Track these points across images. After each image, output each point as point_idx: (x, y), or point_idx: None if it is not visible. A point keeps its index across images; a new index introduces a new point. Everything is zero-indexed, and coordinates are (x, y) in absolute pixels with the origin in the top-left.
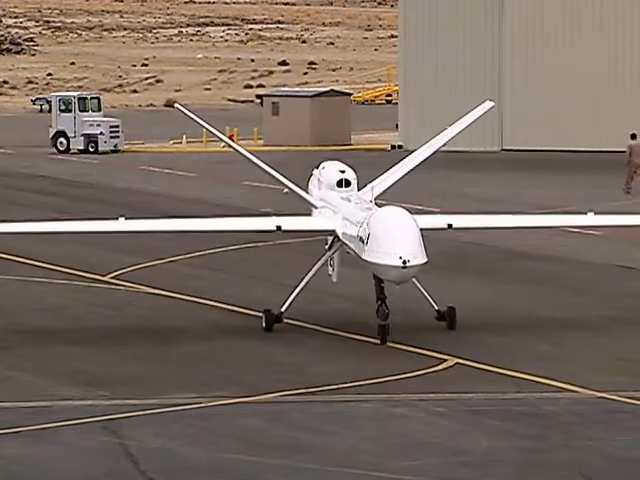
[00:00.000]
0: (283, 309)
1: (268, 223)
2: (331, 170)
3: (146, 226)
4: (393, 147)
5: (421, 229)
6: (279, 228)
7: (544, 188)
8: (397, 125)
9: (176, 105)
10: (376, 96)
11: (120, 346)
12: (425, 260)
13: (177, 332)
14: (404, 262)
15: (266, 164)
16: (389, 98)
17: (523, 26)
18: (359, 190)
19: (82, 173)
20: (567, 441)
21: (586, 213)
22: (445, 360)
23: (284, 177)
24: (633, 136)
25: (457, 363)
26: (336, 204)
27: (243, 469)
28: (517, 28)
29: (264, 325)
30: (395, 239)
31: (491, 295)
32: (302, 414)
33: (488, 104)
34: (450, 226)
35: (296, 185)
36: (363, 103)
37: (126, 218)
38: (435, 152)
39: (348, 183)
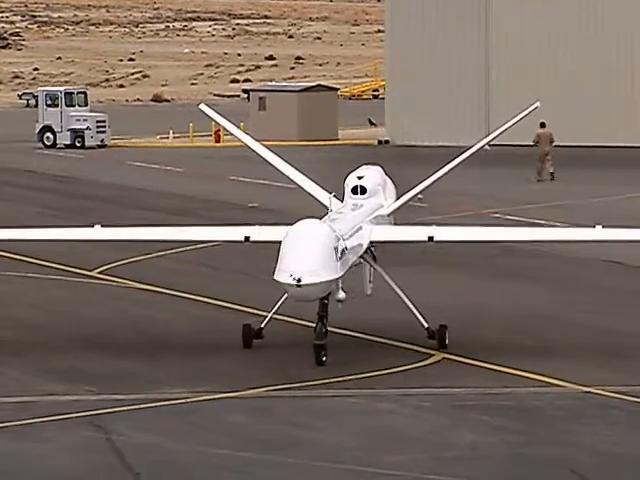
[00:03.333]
0: (263, 324)
1: (236, 233)
2: (353, 175)
3: (120, 234)
4: (380, 142)
5: (402, 241)
6: (247, 239)
7: (528, 183)
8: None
9: (201, 106)
10: (363, 91)
11: (106, 341)
12: (330, 278)
13: (164, 327)
14: (298, 280)
15: (292, 167)
16: (376, 93)
17: (510, 20)
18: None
19: (69, 168)
20: (553, 436)
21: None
22: (432, 355)
23: (309, 179)
24: (542, 124)
25: (444, 358)
26: (339, 212)
27: (229, 464)
28: (504, 22)
29: (242, 341)
30: (290, 256)
31: (478, 290)
32: (288, 409)
33: (535, 104)
34: (431, 239)
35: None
36: (350, 98)
37: (102, 225)
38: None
39: (364, 190)
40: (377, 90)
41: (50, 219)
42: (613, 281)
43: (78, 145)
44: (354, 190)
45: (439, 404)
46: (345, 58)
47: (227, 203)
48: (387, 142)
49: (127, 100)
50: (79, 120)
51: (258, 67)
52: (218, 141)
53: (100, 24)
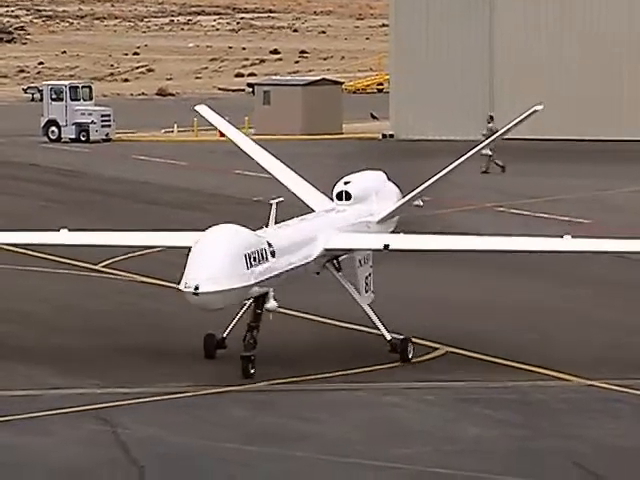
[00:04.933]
0: (225, 334)
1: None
2: (341, 181)
3: (88, 239)
4: (384, 136)
5: (358, 249)
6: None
7: (533, 177)
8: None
9: (196, 107)
10: (367, 85)
11: (111, 335)
12: (234, 286)
13: (169, 321)
14: (195, 288)
15: (286, 167)
16: (380, 87)
17: (514, 14)
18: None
19: (73, 162)
20: (556, 429)
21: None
22: (436, 349)
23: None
24: (491, 118)
25: (448, 352)
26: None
27: (233, 457)
28: (508, 16)
29: (204, 351)
30: (192, 263)
31: (480, 284)
32: (291, 403)
33: (538, 107)
34: (387, 247)
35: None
36: (355, 92)
37: (69, 230)
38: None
39: (349, 196)
40: (381, 84)
41: (54, 213)
42: (616, 274)
43: (83, 139)
44: (339, 195)
45: (443, 397)
46: (349, 52)
47: (232, 197)
48: (392, 136)
49: (132, 94)
50: (84, 114)
51: (263, 61)
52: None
53: (105, 18)
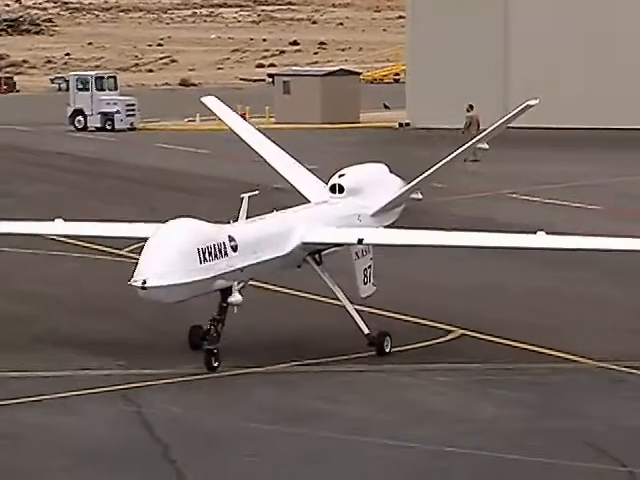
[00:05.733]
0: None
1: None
2: (337, 173)
3: (81, 230)
4: (401, 125)
5: (333, 243)
6: None
7: (548, 164)
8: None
9: (202, 99)
10: (384, 75)
11: (137, 318)
12: (184, 281)
13: (193, 304)
14: (143, 282)
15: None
16: (397, 77)
17: (529, 7)
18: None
19: (99, 150)
20: (569, 409)
21: (535, 232)
22: (451, 331)
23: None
24: (471, 107)
25: (463, 335)
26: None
27: (256, 437)
28: (523, 8)
29: (189, 342)
30: (143, 257)
31: (492, 269)
32: (314, 383)
33: (533, 101)
34: (360, 241)
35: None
36: (372, 82)
37: (64, 220)
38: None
39: (342, 189)
40: (398, 74)
41: (80, 199)
42: (622, 257)
43: (108, 128)
44: (332, 188)
45: (459, 379)
46: (367, 43)
47: (252, 184)
48: (408, 125)
49: (156, 84)
50: (109, 104)
51: (283, 52)
52: None
53: (130, 10)
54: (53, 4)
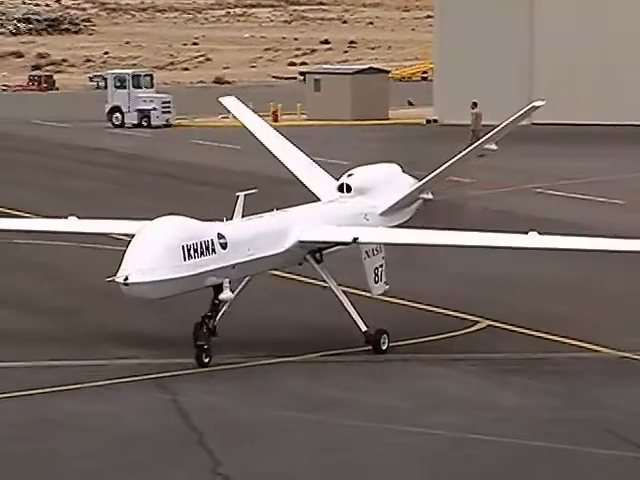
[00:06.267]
0: (216, 322)
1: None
2: (346, 172)
3: (91, 227)
4: (428, 121)
5: (329, 241)
6: None
7: (574, 161)
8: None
9: (220, 99)
10: (412, 73)
11: (170, 308)
12: (166, 277)
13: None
14: (125, 278)
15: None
16: (425, 75)
17: (555, 5)
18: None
19: (136, 146)
20: (591, 398)
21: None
22: (477, 322)
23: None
24: (475, 104)
25: (488, 325)
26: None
27: (285, 424)
28: (549, 7)
29: (193, 339)
30: (127, 253)
31: (518, 261)
32: (341, 373)
33: (539, 103)
34: (355, 240)
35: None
36: (401, 80)
37: (78, 217)
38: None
39: (349, 188)
40: (426, 72)
41: (119, 195)
42: None
43: (145, 124)
44: (340, 187)
45: (484, 368)
46: (396, 42)
47: (282, 179)
48: (435, 121)
49: (191, 82)
50: (146, 101)
51: (314, 51)
52: (276, 120)
53: (165, 11)
54: (92, 4)
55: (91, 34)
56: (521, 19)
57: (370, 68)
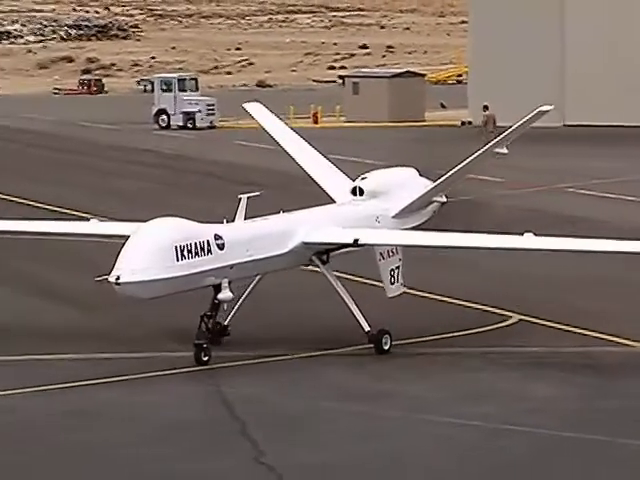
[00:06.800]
0: (227, 321)
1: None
2: (360, 176)
3: (113, 229)
4: (463, 123)
5: (331, 243)
6: None
7: (604, 161)
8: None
9: (244, 105)
10: (448, 77)
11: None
12: (157, 277)
13: (269, 291)
14: (117, 278)
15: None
16: (460, 78)
17: (586, 10)
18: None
19: (181, 147)
20: (620, 390)
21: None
22: (510, 317)
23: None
24: (486, 107)
25: (521, 320)
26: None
27: (325, 415)
28: (580, 12)
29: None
30: (120, 254)
31: (550, 256)
32: (381, 365)
33: (546, 107)
34: (356, 241)
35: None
36: (436, 83)
37: (100, 219)
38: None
39: (362, 191)
40: (460, 75)
41: (166, 194)
42: None
43: (190, 126)
44: (353, 190)
45: (517, 361)
46: (432, 47)
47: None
48: (470, 123)
49: (234, 85)
50: (191, 104)
51: (352, 55)
52: (316, 122)
53: (210, 17)
54: (139, 11)
55: (139, 40)
56: (552, 25)
57: (407, 72)
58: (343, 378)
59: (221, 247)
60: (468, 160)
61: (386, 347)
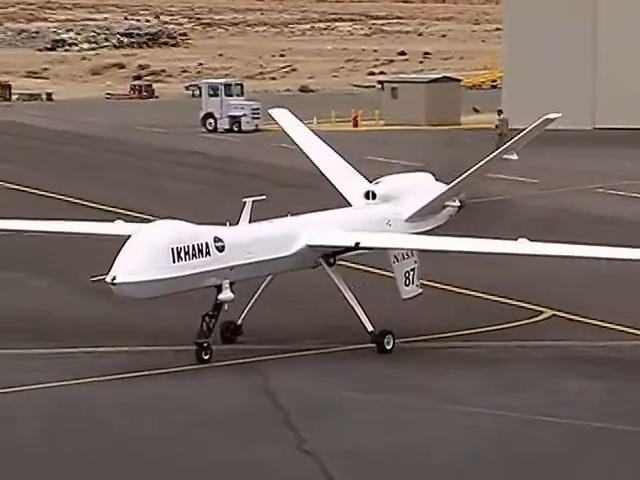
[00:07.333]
0: (240, 321)
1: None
2: (375, 180)
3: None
4: (497, 127)
5: (333, 246)
6: None
7: (635, 162)
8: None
9: (269, 111)
10: (482, 82)
11: (268, 302)
12: (152, 278)
13: (306, 288)
14: (113, 278)
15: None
16: (494, 83)
17: (617, 17)
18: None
19: (227, 149)
20: None
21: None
22: (542, 312)
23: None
24: (500, 112)
25: (554, 315)
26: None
27: (363, 406)
28: (612, 19)
29: (221, 338)
30: (118, 255)
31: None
32: (415, 358)
33: (554, 115)
34: (357, 244)
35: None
36: (471, 88)
37: (125, 221)
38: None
39: (374, 195)
40: (495, 81)
41: (212, 195)
42: None
43: (236, 129)
44: (366, 194)
45: (549, 355)
46: (467, 53)
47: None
48: None
49: (278, 90)
50: (237, 108)
51: (391, 61)
52: (356, 126)
53: (255, 25)
54: (188, 20)
55: (187, 47)
56: (584, 31)
57: (444, 77)
58: (379, 370)
59: (220, 249)
60: (478, 165)
61: (388, 347)
